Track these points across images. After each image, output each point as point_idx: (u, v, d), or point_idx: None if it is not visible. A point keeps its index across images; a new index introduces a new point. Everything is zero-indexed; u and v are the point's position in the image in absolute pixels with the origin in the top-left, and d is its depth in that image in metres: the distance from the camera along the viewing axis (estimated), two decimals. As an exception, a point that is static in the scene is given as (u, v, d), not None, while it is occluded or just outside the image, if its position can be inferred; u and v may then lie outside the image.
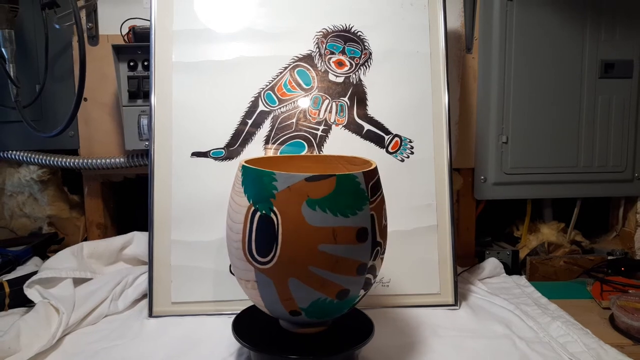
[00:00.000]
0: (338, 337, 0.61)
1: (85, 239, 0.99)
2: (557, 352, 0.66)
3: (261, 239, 0.53)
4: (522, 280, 0.93)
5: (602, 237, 1.10)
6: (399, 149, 0.82)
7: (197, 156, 0.79)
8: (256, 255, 0.53)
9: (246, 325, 0.63)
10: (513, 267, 1.00)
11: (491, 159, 0.98)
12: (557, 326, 0.73)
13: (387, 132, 0.82)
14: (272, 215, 0.52)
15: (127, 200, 1.05)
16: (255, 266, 0.54)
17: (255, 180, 0.53)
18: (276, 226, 0.52)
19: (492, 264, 0.95)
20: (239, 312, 0.70)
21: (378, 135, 0.82)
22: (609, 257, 0.99)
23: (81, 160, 0.92)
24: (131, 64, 0.86)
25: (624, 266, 0.97)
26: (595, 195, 1.02)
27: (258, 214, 0.53)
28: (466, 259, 1.00)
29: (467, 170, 0.99)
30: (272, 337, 0.61)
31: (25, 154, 0.94)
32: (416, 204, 0.81)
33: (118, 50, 0.86)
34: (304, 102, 0.81)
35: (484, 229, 1.06)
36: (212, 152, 0.79)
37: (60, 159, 0.93)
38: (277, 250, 0.52)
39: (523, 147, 0.97)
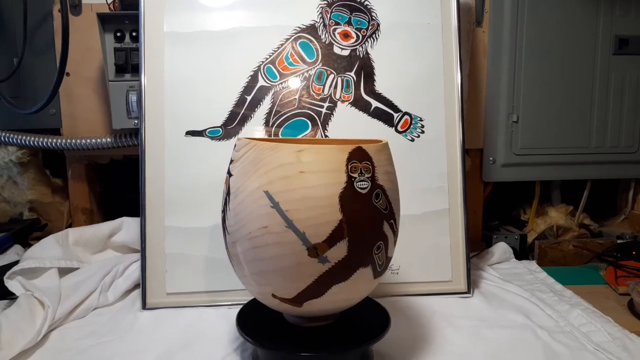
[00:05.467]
0: (351, 330, 0.56)
1: (70, 225, 0.92)
2: (581, 342, 0.62)
3: None
4: (533, 265, 0.89)
5: (610, 220, 1.07)
6: (408, 127, 0.77)
7: (192, 135, 0.73)
8: None
9: (250, 320, 0.58)
10: (521, 252, 0.96)
11: (501, 139, 0.93)
12: (578, 314, 0.69)
13: (396, 109, 0.77)
14: None
15: (114, 183, 0.98)
16: None
17: None
18: None
19: (501, 248, 0.91)
20: (238, 302, 0.65)
21: (387, 113, 0.76)
22: (619, 241, 0.96)
23: (64, 141, 0.85)
24: (118, 34, 0.79)
25: (634, 250, 0.94)
26: (606, 177, 0.98)
27: None
28: (473, 243, 0.95)
29: (475, 151, 0.95)
30: (280, 332, 0.56)
31: (3, 134, 0.87)
32: (427, 187, 0.76)
33: (103, 20, 0.79)
34: (307, 77, 0.75)
35: (490, 213, 1.02)
36: (208, 130, 0.73)
37: (40, 139, 0.86)
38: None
39: (534, 127, 0.93)
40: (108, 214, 0.95)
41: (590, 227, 1.03)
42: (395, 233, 0.52)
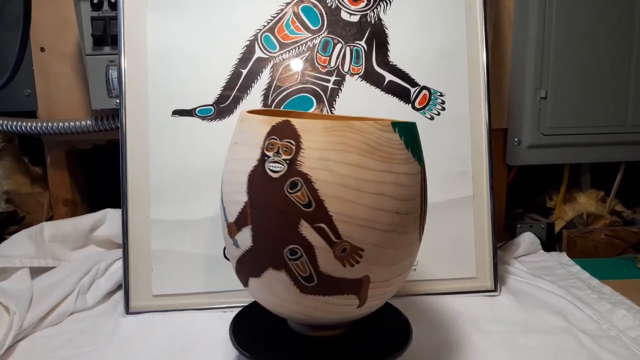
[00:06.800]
0: (365, 342, 0.47)
1: (51, 218, 0.84)
2: (631, 350, 0.54)
3: (426, 204, 0.47)
4: (563, 257, 0.80)
5: (643, 207, 0.98)
6: (427, 104, 0.67)
7: (180, 115, 0.64)
8: (424, 226, 0.47)
9: (248, 327, 0.49)
10: (548, 242, 0.87)
11: (527, 118, 0.83)
12: (622, 315, 0.60)
13: (414, 83, 0.67)
14: None
15: (98, 171, 0.89)
16: (420, 240, 0.46)
17: (416, 137, 0.44)
18: None
19: (528, 239, 0.82)
20: (236, 305, 0.57)
21: (402, 88, 0.67)
22: (655, 229, 0.87)
23: (39, 124, 0.76)
24: (95, 1, 0.70)
25: (673, 239, 0.85)
26: (643, 159, 0.89)
27: (424, 175, 0.46)
28: (497, 234, 0.87)
29: (499, 131, 0.85)
30: (282, 344, 0.47)
31: (-27, 118, 0.78)
32: (449, 171, 0.67)
33: (78, -15, 0.70)
34: (310, 47, 0.66)
35: (513, 199, 0.93)
36: (198, 109, 0.64)
37: (14, 123, 0.77)
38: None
39: (564, 104, 0.83)
40: (93, 206, 0.86)
41: (623, 214, 0.94)
42: (335, 245, 0.39)
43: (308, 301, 0.41)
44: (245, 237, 0.41)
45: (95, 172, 0.89)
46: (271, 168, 0.39)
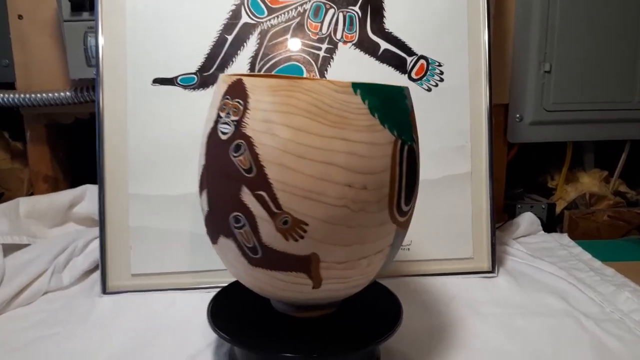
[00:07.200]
0: (352, 323, 0.44)
1: (31, 195, 0.80)
2: (635, 334, 0.51)
3: (410, 181, 0.39)
4: (564, 238, 0.77)
5: (647, 187, 0.95)
6: (424, 74, 0.63)
7: (161, 84, 0.60)
8: (403, 207, 0.39)
9: (228, 308, 0.46)
10: (548, 223, 0.84)
11: (529, 93, 0.80)
12: (626, 298, 0.57)
13: (410, 52, 0.63)
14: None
15: (81, 147, 0.85)
16: (398, 222, 0.39)
17: (393, 102, 0.38)
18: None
19: (528, 219, 0.79)
20: (218, 285, 0.54)
21: (398, 57, 0.63)
22: (660, 211, 0.84)
23: (17, 96, 0.72)
24: (71, -38, 0.66)
25: (679, 221, 0.82)
26: (650, 137, 0.85)
27: (406, 147, 0.38)
28: (495, 214, 0.83)
29: (500, 106, 0.81)
30: (264, 325, 0.44)
31: (-53, 88, 0.74)
32: (446, 146, 0.64)
33: (53, -55, 0.65)
34: (301, 12, 0.62)
35: (512, 178, 0.89)
36: (180, 78, 0.60)
37: (-9, 95, 0.73)
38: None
39: (569, 78, 0.79)
40: (76, 183, 0.83)
41: (627, 194, 0.91)
42: (275, 215, 0.35)
43: (257, 274, 0.38)
44: (204, 202, 0.39)
45: (78, 147, 0.86)
46: (221, 129, 0.37)
